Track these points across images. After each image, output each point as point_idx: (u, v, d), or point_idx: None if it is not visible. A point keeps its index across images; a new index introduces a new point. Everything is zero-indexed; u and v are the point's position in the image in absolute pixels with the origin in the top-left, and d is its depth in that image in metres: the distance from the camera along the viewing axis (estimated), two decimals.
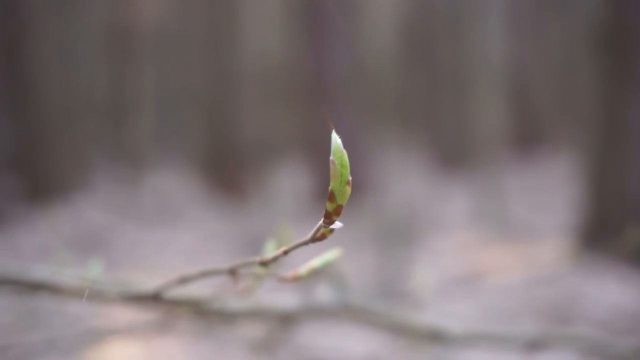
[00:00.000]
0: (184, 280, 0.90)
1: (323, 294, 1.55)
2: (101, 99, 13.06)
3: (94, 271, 1.22)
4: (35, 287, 1.27)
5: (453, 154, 12.10)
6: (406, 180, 11.48)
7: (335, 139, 0.66)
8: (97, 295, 1.19)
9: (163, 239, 8.33)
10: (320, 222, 0.69)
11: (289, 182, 11.49)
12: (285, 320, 1.53)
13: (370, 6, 13.44)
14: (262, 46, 13.11)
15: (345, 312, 1.52)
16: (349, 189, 0.65)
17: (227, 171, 11.01)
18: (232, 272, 0.82)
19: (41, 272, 1.30)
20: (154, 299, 0.96)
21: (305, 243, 0.71)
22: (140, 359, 4.09)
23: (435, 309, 4.82)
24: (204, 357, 4.03)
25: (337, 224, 0.68)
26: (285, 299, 1.53)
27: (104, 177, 12.11)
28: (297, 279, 0.80)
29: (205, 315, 1.47)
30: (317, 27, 9.89)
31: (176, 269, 6.86)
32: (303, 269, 0.81)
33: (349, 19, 10.13)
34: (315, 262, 0.81)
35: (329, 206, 0.65)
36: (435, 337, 1.50)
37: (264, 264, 0.77)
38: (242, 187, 10.90)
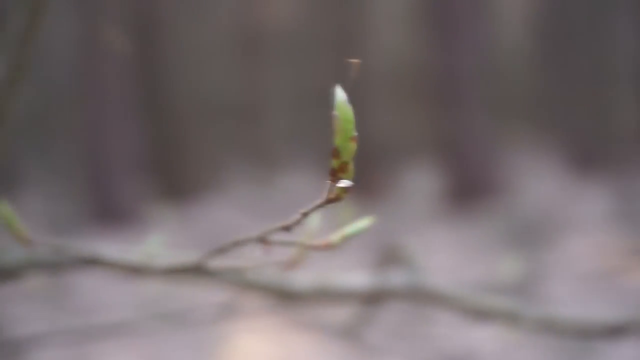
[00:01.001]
0: (220, 251, 0.89)
1: (395, 276, 1.52)
2: (234, 101, 13.29)
3: (153, 247, 1.23)
4: (87, 262, 1.29)
5: (588, 153, 11.75)
6: (539, 180, 11.22)
7: (339, 93, 0.63)
8: (142, 269, 1.19)
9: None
10: (347, 184, 0.66)
11: (420, 183, 11.41)
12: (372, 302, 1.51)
13: (501, 1, 13.22)
14: (391, 45, 13.06)
15: (418, 295, 1.48)
16: (354, 145, 0.62)
17: (359, 172, 11.00)
18: (262, 239, 0.82)
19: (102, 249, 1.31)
20: (196, 270, 0.95)
21: (322, 205, 0.69)
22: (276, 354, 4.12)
23: (571, 307, 4.69)
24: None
25: (346, 182, 0.65)
26: (355, 279, 1.49)
27: (236, 178, 12.31)
28: (330, 247, 0.79)
29: (271, 295, 1.46)
30: (447, 24, 9.77)
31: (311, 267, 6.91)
32: (335, 236, 0.78)
33: (480, 15, 9.97)
34: (348, 229, 0.78)
35: (335, 163, 0.63)
36: (513, 318, 1.45)
37: (287, 228, 0.76)
38: (373, 188, 10.88)
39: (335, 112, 0.63)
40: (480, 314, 1.47)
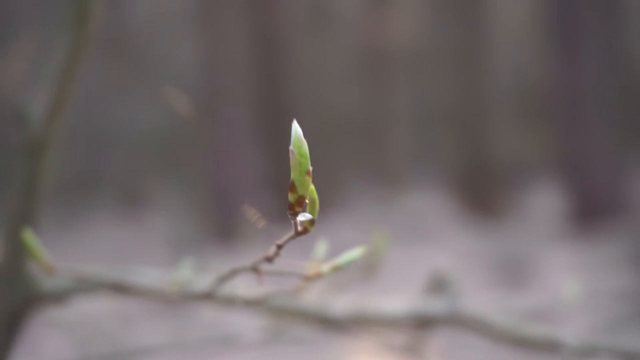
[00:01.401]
0: (222, 280, 0.91)
1: (432, 301, 1.50)
2: (357, 119, 13.35)
3: (183, 273, 1.26)
4: (121, 289, 1.33)
5: None
6: None
7: (295, 129, 0.67)
8: (160, 295, 1.22)
9: (417, 257, 8.33)
10: (299, 216, 0.69)
11: (544, 202, 11.17)
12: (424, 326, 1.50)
13: (631, 14, 12.83)
14: (514, 63, 12.87)
15: (456, 321, 1.46)
16: (309, 179, 0.64)
17: (481, 190, 10.89)
18: (255, 269, 0.84)
19: (136, 275, 1.35)
20: (208, 297, 0.98)
21: (292, 237, 0.72)
22: None
23: None
24: None
25: (305, 215, 0.67)
26: (394, 305, 1.49)
27: (359, 197, 12.34)
28: (319, 277, 0.81)
29: (308, 321, 1.48)
30: (571, 40, 9.55)
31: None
32: (326, 266, 0.82)
33: (607, 29, 9.70)
34: (339, 260, 0.82)
35: (291, 197, 0.65)
36: (552, 347, 1.40)
37: (269, 259, 0.78)
38: (496, 206, 10.73)
39: (292, 148, 0.66)
40: (518, 342, 1.44)
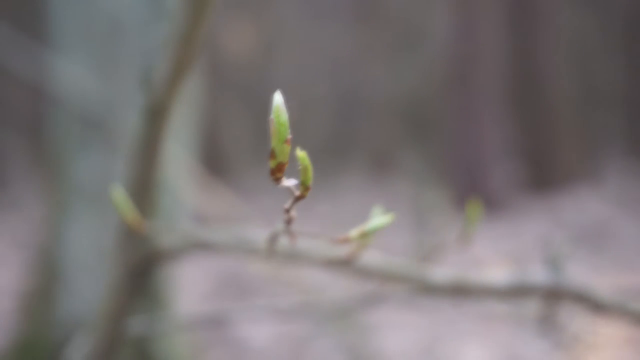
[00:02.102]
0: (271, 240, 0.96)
1: (535, 273, 1.44)
2: (615, 89, 12.73)
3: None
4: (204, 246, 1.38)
5: None
6: None
7: (277, 99, 0.68)
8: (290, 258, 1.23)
9: None
10: (291, 183, 0.74)
11: None
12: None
13: None
14: None
15: (560, 294, 1.40)
16: (288, 147, 0.69)
17: None
18: (289, 233, 0.88)
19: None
20: (345, 264, 1.01)
21: (294, 203, 0.77)
22: None
23: None
24: None
25: (290, 181, 0.73)
26: (494, 276, 1.46)
27: (613, 170, 11.79)
28: (348, 242, 0.82)
29: (411, 287, 1.49)
30: None
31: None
32: (354, 232, 0.82)
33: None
34: (368, 226, 0.82)
35: (272, 163, 0.70)
36: None
37: (289, 222, 0.82)
38: None
39: (271, 116, 0.69)
40: (625, 317, 1.38)
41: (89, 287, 3.10)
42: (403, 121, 11.68)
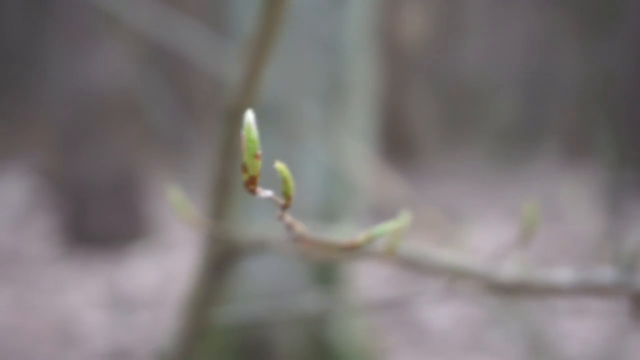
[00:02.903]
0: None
1: (602, 271, 1.42)
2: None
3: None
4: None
5: None
6: None
7: (248, 116, 0.74)
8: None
9: None
10: (267, 194, 0.78)
11: None
12: None
13: None
14: None
15: (624, 292, 1.38)
16: (258, 162, 0.75)
17: None
18: (299, 239, 0.91)
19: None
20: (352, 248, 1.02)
21: (284, 209, 0.82)
22: None
23: None
24: None
25: (266, 192, 0.78)
26: (559, 274, 1.43)
27: None
28: (355, 247, 0.86)
29: (476, 284, 1.50)
30: None
31: None
32: (361, 236, 0.85)
33: None
34: (374, 230, 0.86)
35: (244, 176, 0.76)
36: None
37: (290, 227, 0.87)
38: None
39: (243, 133, 0.75)
40: None
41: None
42: (597, 104, 11.22)
